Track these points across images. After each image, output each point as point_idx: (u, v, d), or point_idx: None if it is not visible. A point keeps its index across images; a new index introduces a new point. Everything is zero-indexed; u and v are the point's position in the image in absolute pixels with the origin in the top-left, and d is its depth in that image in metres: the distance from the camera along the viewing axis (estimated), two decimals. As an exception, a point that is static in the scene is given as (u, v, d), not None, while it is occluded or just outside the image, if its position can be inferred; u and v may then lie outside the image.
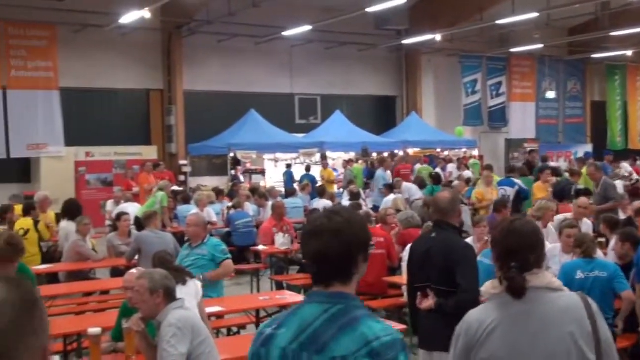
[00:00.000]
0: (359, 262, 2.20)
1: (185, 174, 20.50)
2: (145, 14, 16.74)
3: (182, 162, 20.60)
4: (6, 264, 4.81)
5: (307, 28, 19.89)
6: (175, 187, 16.24)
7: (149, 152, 19.90)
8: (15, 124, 18.08)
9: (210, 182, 20.20)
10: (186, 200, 14.04)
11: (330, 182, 18.29)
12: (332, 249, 2.15)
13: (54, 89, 18.67)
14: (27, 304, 1.38)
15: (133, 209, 12.32)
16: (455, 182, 16.36)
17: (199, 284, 5.75)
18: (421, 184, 15.61)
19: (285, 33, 20.45)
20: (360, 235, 2.21)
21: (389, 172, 17.54)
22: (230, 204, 13.44)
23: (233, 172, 20.06)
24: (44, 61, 18.62)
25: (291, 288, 9.12)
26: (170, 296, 4.40)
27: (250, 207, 13.39)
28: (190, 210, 12.51)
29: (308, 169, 19.52)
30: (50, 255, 10.64)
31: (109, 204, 14.48)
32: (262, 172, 20.79)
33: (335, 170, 20.23)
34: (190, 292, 5.23)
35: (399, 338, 2.12)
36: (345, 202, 13.22)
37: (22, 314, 1.35)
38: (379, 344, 2.06)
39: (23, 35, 18.36)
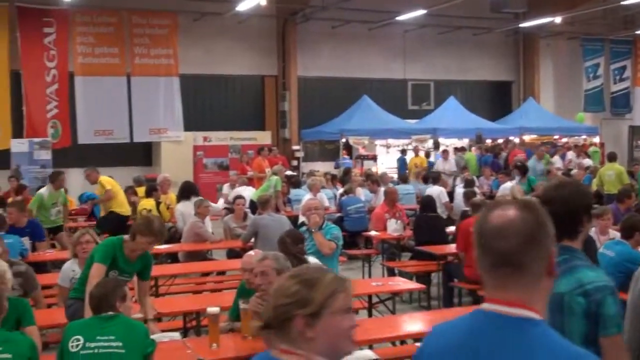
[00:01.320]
0: (584, 221, 2.77)
1: (297, 158, 20.79)
2: (262, 0, 17.02)
3: (295, 147, 20.89)
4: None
5: (421, 12, 19.64)
6: (289, 172, 16.48)
7: (263, 137, 20.28)
8: (138, 110, 18.89)
9: (322, 167, 20.40)
10: (297, 185, 14.23)
11: (422, 169, 17.92)
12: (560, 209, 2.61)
13: (174, 76, 19.34)
14: (540, 221, 1.83)
15: (248, 193, 12.61)
16: (574, 171, 15.74)
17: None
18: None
19: (399, 18, 20.28)
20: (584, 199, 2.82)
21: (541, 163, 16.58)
22: (342, 189, 13.51)
23: (345, 158, 20.13)
24: (165, 48, 19.32)
25: (403, 275, 9.07)
26: (288, 278, 4.46)
27: (362, 193, 13.40)
28: (302, 195, 12.71)
29: (404, 152, 19.49)
30: (171, 235, 11.06)
31: (225, 187, 14.86)
32: (374, 158, 20.75)
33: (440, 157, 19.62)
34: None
35: (610, 285, 2.61)
36: (460, 189, 12.97)
37: (536, 228, 1.81)
38: (592, 287, 2.59)
39: (146, 23, 19.11)
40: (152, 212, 10.49)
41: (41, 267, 8.12)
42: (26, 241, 8.37)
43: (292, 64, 20.98)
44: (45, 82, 18.04)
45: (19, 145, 16.85)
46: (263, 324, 2.06)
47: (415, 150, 19.45)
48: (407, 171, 17.03)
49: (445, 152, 18.53)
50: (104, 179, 11.38)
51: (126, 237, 5.32)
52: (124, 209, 11.12)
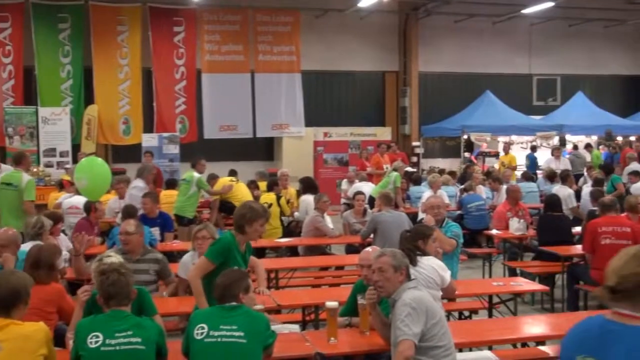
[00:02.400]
0: None
1: (417, 155, 20.63)
2: (383, -4, 17.00)
3: (414, 143, 20.73)
4: None
5: (548, 4, 18.96)
6: (409, 168, 16.37)
7: (383, 133, 20.25)
8: (261, 106, 19.35)
9: (443, 164, 20.14)
10: (417, 182, 14.10)
11: (511, 168, 17.22)
12: None
13: (296, 72, 19.66)
14: None
15: (367, 189, 12.62)
16: None
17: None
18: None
19: (525, 11, 19.68)
20: None
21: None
22: (462, 187, 13.28)
23: (467, 154, 19.78)
24: (288, 45, 19.66)
25: (525, 275, 8.81)
26: (408, 275, 4.45)
27: (483, 190, 13.12)
28: (422, 192, 12.59)
29: (534, 149, 18.86)
30: (291, 229, 11.27)
31: (344, 183, 14.97)
32: (496, 155, 20.27)
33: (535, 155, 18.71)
34: (423, 274, 5.20)
35: None
36: (587, 188, 12.43)
37: None
38: None
39: (269, 21, 19.52)
40: (273, 206, 10.74)
41: (169, 256, 8.47)
42: (156, 232, 8.75)
43: (413, 59, 20.82)
44: (174, 79, 18.80)
45: (149, 140, 17.67)
46: (608, 287, 2.20)
47: (505, 149, 18.79)
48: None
49: (557, 149, 17.74)
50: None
51: (234, 231, 5.25)
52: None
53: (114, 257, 4.76)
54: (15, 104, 17.52)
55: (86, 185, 8.74)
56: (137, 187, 9.69)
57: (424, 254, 5.46)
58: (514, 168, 17.47)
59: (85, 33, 17.95)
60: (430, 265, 5.29)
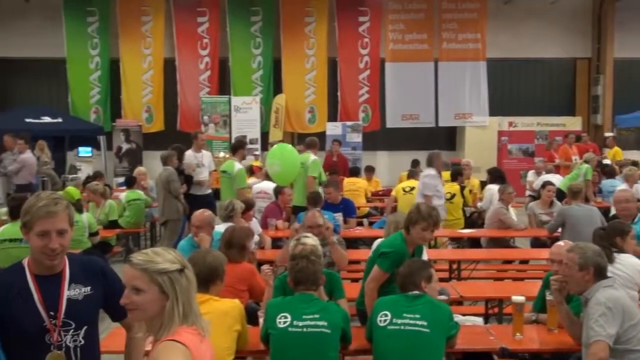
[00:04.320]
0: None
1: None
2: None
3: (607, 134, 19.51)
4: None
5: None
6: (607, 161, 15.45)
7: (573, 123, 19.27)
8: (444, 95, 19.15)
9: (639, 156, 18.81)
10: (612, 174, 13.26)
11: None
12: None
13: (480, 60, 19.23)
14: None
15: (555, 181, 12.07)
16: None
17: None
18: None
19: None
20: None
21: None
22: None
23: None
24: (473, 33, 19.27)
25: None
26: (600, 274, 4.19)
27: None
28: (616, 185, 11.82)
29: None
30: (473, 220, 11.07)
31: (530, 174, 14.41)
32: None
33: None
34: (621, 273, 4.88)
35: None
36: None
37: None
38: None
39: (455, 9, 19.22)
40: (456, 197, 10.59)
41: (351, 242, 8.63)
42: (339, 217, 8.95)
43: (608, 45, 19.58)
44: (358, 69, 19.09)
45: (333, 129, 18.09)
46: None
47: (610, 143, 16.92)
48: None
49: None
50: None
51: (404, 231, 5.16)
52: None
53: (310, 239, 4.91)
54: (211, 93, 18.66)
55: (278, 171, 9.12)
56: (430, 175, 9.86)
57: (622, 251, 5.13)
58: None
59: (275, 25, 18.70)
60: (631, 264, 4.96)
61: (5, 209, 8.47)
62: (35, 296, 2.83)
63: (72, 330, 2.87)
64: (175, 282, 2.43)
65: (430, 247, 9.10)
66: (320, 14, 18.79)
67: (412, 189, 10.36)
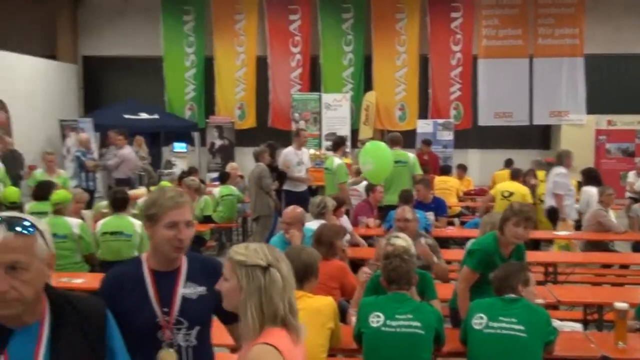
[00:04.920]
0: None
1: None
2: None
3: None
4: None
5: None
6: None
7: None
8: (539, 92, 18.64)
9: None
10: None
11: None
12: None
13: (578, 56, 18.61)
14: None
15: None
16: None
17: None
18: None
19: None
20: None
21: None
22: None
23: None
24: (570, 28, 18.66)
25: None
26: None
27: None
28: None
29: None
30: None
31: (631, 175, 13.87)
32: None
33: None
34: None
35: None
36: None
37: None
38: None
39: (551, 3, 18.66)
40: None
41: (442, 242, 8.52)
42: (430, 216, 8.86)
43: None
44: (450, 66, 18.82)
45: (424, 126, 17.92)
46: None
47: None
48: None
49: None
50: None
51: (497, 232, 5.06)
52: None
53: (401, 240, 4.87)
54: (302, 90, 18.80)
55: (371, 169, 9.12)
56: (560, 174, 9.75)
57: None
58: None
59: (366, 22, 18.67)
60: None
61: (105, 202, 8.82)
62: (150, 291, 2.84)
63: (184, 330, 2.85)
64: (251, 277, 2.40)
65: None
66: (412, 11, 18.63)
67: (511, 194, 9.97)
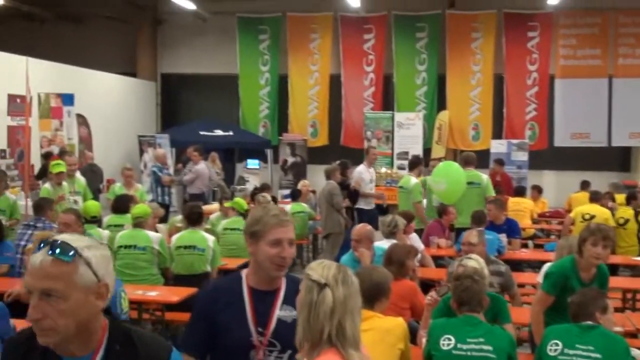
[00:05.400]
0: None
1: None
2: None
3: None
4: None
5: None
6: None
7: None
8: (618, 113, 18.13)
9: None
10: None
11: None
12: None
13: (660, 76, 18.06)
14: None
15: None
16: None
17: None
18: None
19: None
20: None
21: None
22: None
23: None
24: (651, 47, 18.18)
25: None
26: None
27: None
28: None
29: None
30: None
31: None
32: None
33: None
34: None
35: None
36: None
37: None
38: None
39: (632, 22, 18.19)
40: (630, 222, 9.98)
41: (515, 264, 8.36)
42: (503, 238, 8.70)
43: None
44: (526, 85, 18.53)
45: (498, 146, 17.65)
46: None
47: None
48: None
49: None
50: None
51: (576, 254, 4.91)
52: None
53: (473, 261, 4.81)
54: (374, 109, 18.83)
55: (444, 189, 9.04)
56: None
57: None
58: None
59: (441, 41, 18.59)
60: None
61: (180, 217, 9.02)
62: (248, 309, 2.83)
63: (276, 352, 2.82)
64: (308, 291, 2.39)
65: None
66: (488, 30, 18.45)
67: (592, 217, 9.66)
